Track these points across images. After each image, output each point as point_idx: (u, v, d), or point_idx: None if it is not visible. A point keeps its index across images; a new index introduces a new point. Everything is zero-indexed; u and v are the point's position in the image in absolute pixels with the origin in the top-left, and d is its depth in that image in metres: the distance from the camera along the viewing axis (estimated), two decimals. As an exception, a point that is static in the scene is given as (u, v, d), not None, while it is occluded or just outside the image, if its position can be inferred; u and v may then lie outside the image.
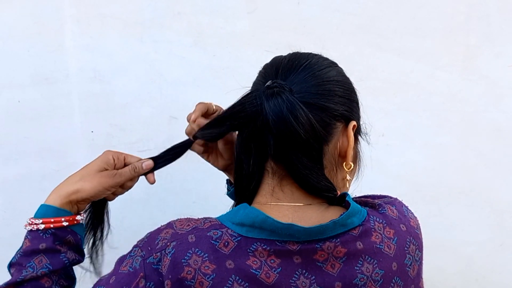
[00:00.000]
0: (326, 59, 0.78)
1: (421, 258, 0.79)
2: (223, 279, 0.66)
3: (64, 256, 0.80)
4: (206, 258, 0.67)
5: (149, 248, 0.69)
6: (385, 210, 0.77)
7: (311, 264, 0.69)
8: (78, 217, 0.83)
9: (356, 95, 0.79)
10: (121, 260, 0.72)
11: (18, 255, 0.78)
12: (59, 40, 1.23)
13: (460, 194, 1.40)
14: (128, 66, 1.26)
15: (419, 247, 0.78)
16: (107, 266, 0.82)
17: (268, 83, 0.72)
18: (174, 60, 1.27)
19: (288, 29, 1.28)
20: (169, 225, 0.73)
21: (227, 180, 1.04)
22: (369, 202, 0.81)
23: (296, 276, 0.68)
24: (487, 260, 1.45)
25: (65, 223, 0.81)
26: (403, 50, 1.31)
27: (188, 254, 0.67)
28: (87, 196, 0.82)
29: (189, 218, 0.74)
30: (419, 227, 0.81)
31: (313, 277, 0.69)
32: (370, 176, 1.37)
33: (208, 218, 0.74)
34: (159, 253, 0.68)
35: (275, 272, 0.67)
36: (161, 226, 0.74)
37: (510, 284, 1.47)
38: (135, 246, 0.72)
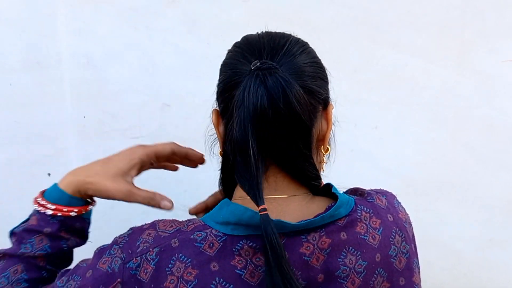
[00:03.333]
0: (299, 40, 0.75)
1: (410, 252, 0.77)
2: (205, 284, 0.65)
3: (65, 243, 0.79)
4: (189, 264, 0.66)
5: (130, 251, 0.67)
6: (374, 199, 0.76)
7: (298, 259, 0.68)
8: (90, 207, 0.82)
9: (327, 76, 0.77)
10: (100, 253, 0.70)
11: (22, 228, 0.77)
12: (52, 24, 1.22)
13: (451, 189, 1.41)
14: (121, 53, 1.25)
15: (406, 240, 0.77)
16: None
17: (256, 64, 0.68)
18: (168, 48, 1.26)
19: (283, 19, 1.27)
20: (153, 225, 0.71)
21: None
22: (359, 190, 0.80)
23: None
24: (476, 255, 1.46)
25: (74, 214, 0.79)
26: (398, 43, 1.31)
27: (171, 261, 0.66)
28: (98, 194, 0.80)
29: (174, 219, 0.72)
30: (409, 221, 0.80)
31: (299, 272, 0.68)
32: (361, 168, 1.38)
33: (192, 219, 0.72)
34: (139, 258, 0.66)
35: (260, 271, 0.66)
36: (145, 224, 0.72)
37: (498, 279, 1.48)
38: (115, 243, 0.70)
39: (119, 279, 0.65)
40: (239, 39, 0.78)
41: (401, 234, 0.76)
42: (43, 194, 0.79)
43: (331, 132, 0.78)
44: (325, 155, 0.76)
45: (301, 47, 0.73)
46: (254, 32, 0.79)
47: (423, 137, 1.38)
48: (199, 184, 1.34)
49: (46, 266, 0.78)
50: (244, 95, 0.67)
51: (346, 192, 0.80)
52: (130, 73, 1.26)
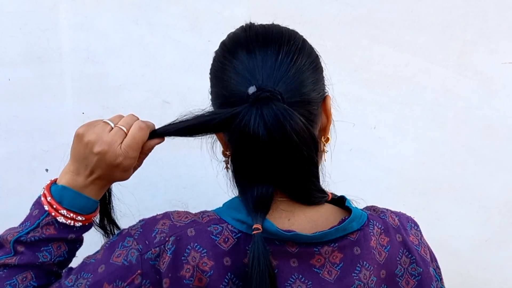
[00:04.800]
0: (290, 37, 0.73)
1: (424, 275, 0.76)
2: (220, 277, 0.65)
3: (80, 244, 0.77)
4: (205, 254, 0.65)
5: (147, 242, 0.66)
6: (386, 217, 0.76)
7: (308, 269, 0.68)
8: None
9: (321, 62, 0.75)
10: (111, 248, 0.68)
11: (34, 238, 0.71)
12: (53, 18, 1.21)
13: (449, 188, 1.41)
14: (122, 48, 1.24)
15: (417, 263, 0.76)
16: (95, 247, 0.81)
17: (253, 91, 0.66)
18: (170, 43, 1.26)
19: (285, 17, 1.26)
20: (166, 215, 0.71)
21: None
22: (374, 208, 0.80)
23: (292, 279, 0.67)
24: (472, 255, 1.47)
25: (97, 216, 0.78)
26: (399, 43, 1.31)
27: (187, 250, 0.65)
28: None
29: (187, 211, 0.72)
30: (422, 246, 0.79)
31: (310, 282, 0.68)
32: (360, 168, 1.38)
33: (205, 212, 0.72)
34: (157, 248, 0.66)
35: None
36: (157, 215, 0.71)
37: (494, 279, 1.49)
38: (128, 235, 0.68)
39: (139, 271, 0.64)
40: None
41: (409, 255, 0.75)
42: (60, 202, 0.72)
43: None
44: (325, 145, 0.75)
45: (295, 46, 0.71)
46: (232, 36, 0.77)
47: (422, 137, 1.38)
48: (198, 181, 1.34)
49: (58, 271, 0.75)
50: (243, 126, 0.65)
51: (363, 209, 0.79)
52: (131, 69, 1.26)
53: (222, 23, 1.26)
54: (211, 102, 0.76)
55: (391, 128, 1.37)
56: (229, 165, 0.77)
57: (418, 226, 0.82)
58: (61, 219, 0.72)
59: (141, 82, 1.26)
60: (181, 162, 1.31)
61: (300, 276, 0.68)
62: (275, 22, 1.14)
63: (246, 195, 0.68)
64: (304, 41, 0.74)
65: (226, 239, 0.67)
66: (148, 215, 0.75)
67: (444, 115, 1.36)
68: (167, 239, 0.66)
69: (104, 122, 0.76)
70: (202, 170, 1.27)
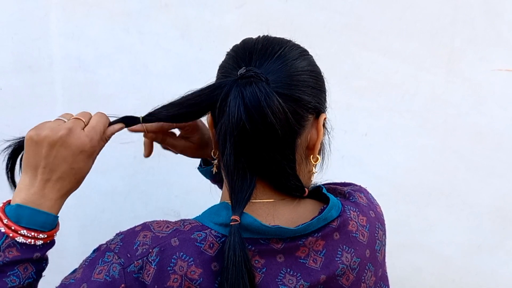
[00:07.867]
0: (298, 46, 0.75)
1: (385, 242, 0.81)
2: (210, 283, 0.65)
3: (45, 262, 0.75)
4: (192, 262, 0.65)
5: (128, 255, 0.65)
6: (356, 198, 0.78)
7: (295, 261, 0.69)
8: None
9: (325, 85, 0.76)
10: (91, 265, 0.66)
11: None
12: (44, 27, 1.21)
13: (440, 195, 1.42)
14: (113, 57, 1.25)
15: (385, 232, 0.81)
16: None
17: (241, 71, 0.67)
18: (160, 52, 1.26)
19: (275, 25, 1.27)
20: (146, 227, 0.69)
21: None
22: (337, 190, 0.81)
23: (281, 274, 0.68)
24: (464, 261, 1.47)
25: (57, 233, 0.75)
26: (389, 50, 1.32)
27: (173, 260, 0.64)
28: None
29: (166, 220, 0.71)
30: (383, 213, 0.83)
31: (299, 274, 0.68)
32: (351, 175, 1.38)
33: (186, 220, 0.71)
34: (140, 260, 0.64)
35: (260, 273, 0.67)
36: (136, 227, 0.70)
37: (486, 285, 1.49)
38: (108, 250, 0.67)
39: (122, 285, 0.63)
40: (231, 45, 0.78)
41: (382, 228, 0.79)
42: (17, 221, 0.69)
43: (324, 142, 0.78)
44: (315, 165, 0.75)
45: (298, 53, 0.73)
46: (245, 38, 0.78)
47: (412, 144, 1.38)
48: (190, 189, 1.34)
49: None
50: (226, 105, 0.67)
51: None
52: (122, 77, 1.26)
53: (212, 32, 1.26)
54: None
55: (381, 135, 1.37)
56: (216, 164, 0.78)
57: (369, 192, 0.84)
58: (20, 239, 0.69)
59: (132, 91, 1.27)
60: (172, 170, 1.31)
61: (289, 269, 0.68)
62: (265, 30, 1.15)
63: (230, 182, 0.68)
64: (309, 54, 0.76)
65: (211, 245, 0.66)
66: (139, 223, 0.75)
67: (434, 122, 1.37)
68: (150, 250, 0.65)
69: (55, 119, 0.76)
70: (194, 178, 1.26)
